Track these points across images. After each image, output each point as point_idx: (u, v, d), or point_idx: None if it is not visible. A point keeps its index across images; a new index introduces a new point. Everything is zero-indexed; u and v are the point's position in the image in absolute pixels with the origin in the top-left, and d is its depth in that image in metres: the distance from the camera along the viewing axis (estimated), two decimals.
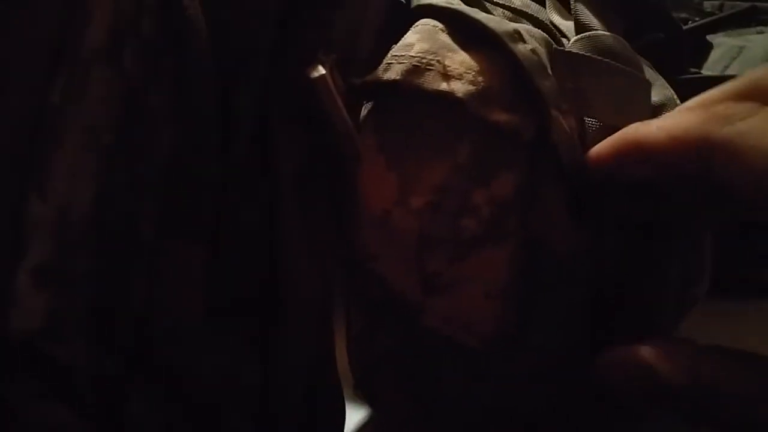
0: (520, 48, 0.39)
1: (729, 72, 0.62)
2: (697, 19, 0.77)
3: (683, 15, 0.77)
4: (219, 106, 0.33)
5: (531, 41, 0.40)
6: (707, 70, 0.64)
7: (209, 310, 0.32)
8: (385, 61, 0.39)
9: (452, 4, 0.42)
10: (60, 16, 0.30)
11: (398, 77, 0.38)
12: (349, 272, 0.41)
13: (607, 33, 0.46)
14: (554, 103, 0.38)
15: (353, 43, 0.42)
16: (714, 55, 0.63)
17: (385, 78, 0.38)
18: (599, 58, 0.43)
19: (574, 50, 0.44)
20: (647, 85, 0.45)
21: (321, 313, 0.37)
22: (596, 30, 0.47)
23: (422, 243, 0.37)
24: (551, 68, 0.41)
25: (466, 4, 0.44)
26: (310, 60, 0.36)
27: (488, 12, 0.45)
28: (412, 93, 0.38)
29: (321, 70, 0.34)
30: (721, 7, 0.76)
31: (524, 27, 0.42)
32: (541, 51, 0.41)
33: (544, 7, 0.51)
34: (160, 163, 0.31)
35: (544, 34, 0.43)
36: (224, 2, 0.33)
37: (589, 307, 0.39)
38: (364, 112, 0.41)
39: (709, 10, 0.77)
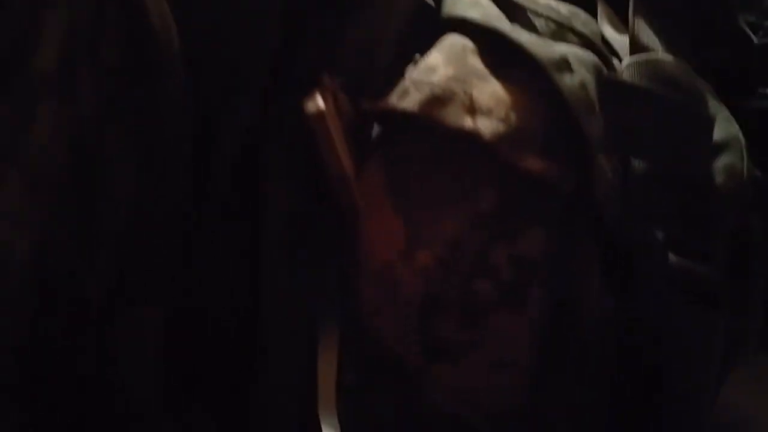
0: (567, 81, 0.33)
1: None
2: (766, 23, 0.69)
3: (751, 18, 0.69)
4: (194, 142, 0.28)
5: (580, 70, 0.34)
6: None
7: (171, 390, 0.27)
8: (401, 85, 0.34)
9: (489, 18, 0.36)
10: (11, 35, 0.25)
11: (415, 108, 0.32)
12: (344, 320, 0.36)
13: (668, 57, 0.40)
14: (601, 149, 0.33)
15: (371, 54, 0.37)
16: None
17: (400, 107, 0.33)
18: (655, 90, 0.37)
19: (628, 78, 0.38)
20: (709, 123, 0.39)
21: (304, 376, 0.33)
22: (655, 51, 0.41)
23: (427, 304, 0.32)
24: (600, 99, 0.36)
25: (504, 11, 0.39)
26: (310, 85, 0.31)
27: (529, 23, 0.39)
28: (430, 127, 0.32)
29: (319, 104, 0.29)
30: None
31: (573, 51, 0.36)
32: (590, 81, 0.35)
33: (595, 16, 0.44)
34: (117, 212, 0.26)
35: (594, 57, 0.37)
36: (210, 17, 0.28)
37: (613, 384, 0.34)
38: (374, 137, 0.36)
39: None
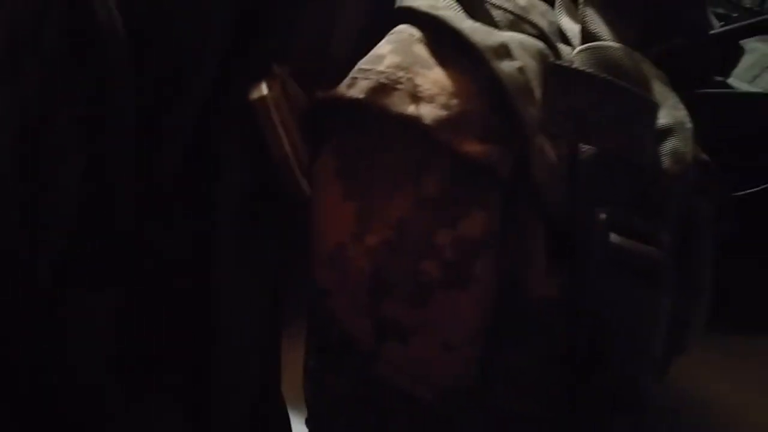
0: (505, 66, 0.34)
1: (759, 82, 0.56)
2: (734, 15, 0.70)
3: (719, 10, 0.70)
4: (143, 126, 0.29)
5: (522, 56, 0.36)
6: (735, 78, 0.58)
7: (122, 365, 0.28)
8: (351, 75, 0.35)
9: (436, 8, 0.37)
10: None
11: (362, 96, 0.34)
12: (309, 305, 0.37)
13: (615, 44, 0.41)
14: (538, 131, 0.34)
15: (325, 46, 0.38)
16: (744, 61, 0.58)
17: (348, 95, 0.34)
18: (600, 75, 0.39)
19: (574, 64, 0.39)
20: (653, 108, 0.40)
21: (261, 351, 0.34)
22: (603, 39, 0.42)
23: (376, 285, 0.33)
24: (545, 84, 0.37)
25: (462, 3, 0.40)
26: (258, 73, 0.32)
27: (487, 14, 0.40)
28: (376, 114, 0.34)
29: (263, 90, 0.30)
30: (762, 3, 0.69)
31: (517, 38, 0.37)
32: (532, 68, 0.36)
33: (553, 7, 0.46)
34: (65, 197, 0.27)
35: (541, 45, 0.38)
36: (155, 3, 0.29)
37: (562, 365, 0.35)
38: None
39: (748, 5, 0.70)
